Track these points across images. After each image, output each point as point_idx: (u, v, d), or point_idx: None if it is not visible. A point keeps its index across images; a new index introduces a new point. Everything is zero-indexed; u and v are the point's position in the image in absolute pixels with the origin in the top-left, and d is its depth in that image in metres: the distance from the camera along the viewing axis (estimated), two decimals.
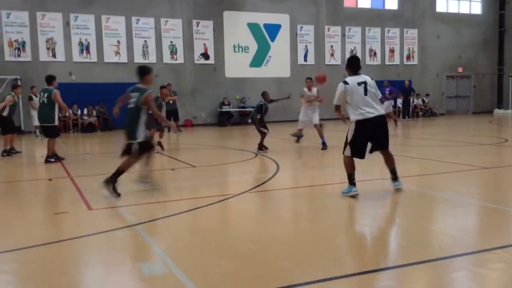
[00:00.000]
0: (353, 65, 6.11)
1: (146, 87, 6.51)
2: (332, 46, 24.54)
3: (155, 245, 4.41)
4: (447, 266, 3.72)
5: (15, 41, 18.88)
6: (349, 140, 5.93)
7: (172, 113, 18.24)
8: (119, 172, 6.28)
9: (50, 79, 10.21)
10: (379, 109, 5.99)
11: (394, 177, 6.20)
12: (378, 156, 6.24)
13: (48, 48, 19.35)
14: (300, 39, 23.87)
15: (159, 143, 11.20)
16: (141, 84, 6.53)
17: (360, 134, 5.86)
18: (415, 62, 26.63)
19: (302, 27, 23.80)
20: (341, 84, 5.99)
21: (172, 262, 3.85)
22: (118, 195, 6.20)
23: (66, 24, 19.53)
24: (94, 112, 19.61)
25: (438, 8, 27.00)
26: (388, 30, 25.76)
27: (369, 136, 5.92)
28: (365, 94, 5.88)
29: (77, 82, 19.47)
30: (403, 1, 25.87)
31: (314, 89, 11.53)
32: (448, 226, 4.92)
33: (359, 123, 5.83)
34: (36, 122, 16.06)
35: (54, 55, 19.45)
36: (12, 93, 11.79)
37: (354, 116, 5.89)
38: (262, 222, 5.35)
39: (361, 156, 5.97)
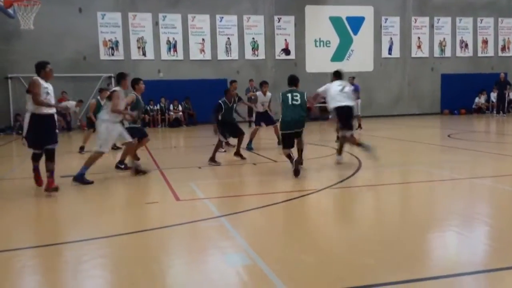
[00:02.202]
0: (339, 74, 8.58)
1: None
2: (419, 38, 23.53)
3: (239, 236, 4.54)
4: None
5: (109, 40, 20.19)
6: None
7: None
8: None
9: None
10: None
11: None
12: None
13: (139, 47, 20.48)
14: (384, 31, 23.14)
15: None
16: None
17: None
18: (511, 53, 24.77)
19: (387, 19, 23.05)
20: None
21: (255, 254, 3.94)
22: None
23: (155, 23, 20.54)
24: (180, 108, 20.46)
25: None
26: (481, 20, 24.19)
27: None
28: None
29: (165, 79, 20.43)
30: None
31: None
32: None
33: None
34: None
35: (144, 54, 20.54)
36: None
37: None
38: (344, 219, 5.30)
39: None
